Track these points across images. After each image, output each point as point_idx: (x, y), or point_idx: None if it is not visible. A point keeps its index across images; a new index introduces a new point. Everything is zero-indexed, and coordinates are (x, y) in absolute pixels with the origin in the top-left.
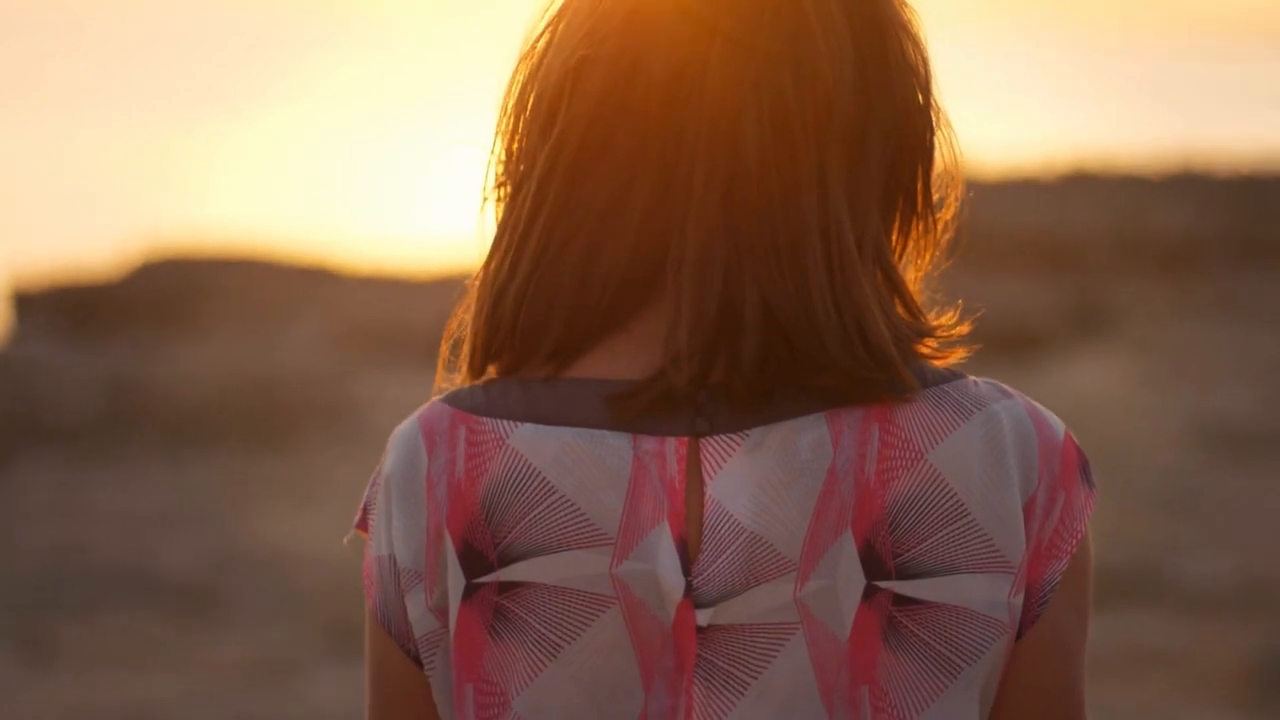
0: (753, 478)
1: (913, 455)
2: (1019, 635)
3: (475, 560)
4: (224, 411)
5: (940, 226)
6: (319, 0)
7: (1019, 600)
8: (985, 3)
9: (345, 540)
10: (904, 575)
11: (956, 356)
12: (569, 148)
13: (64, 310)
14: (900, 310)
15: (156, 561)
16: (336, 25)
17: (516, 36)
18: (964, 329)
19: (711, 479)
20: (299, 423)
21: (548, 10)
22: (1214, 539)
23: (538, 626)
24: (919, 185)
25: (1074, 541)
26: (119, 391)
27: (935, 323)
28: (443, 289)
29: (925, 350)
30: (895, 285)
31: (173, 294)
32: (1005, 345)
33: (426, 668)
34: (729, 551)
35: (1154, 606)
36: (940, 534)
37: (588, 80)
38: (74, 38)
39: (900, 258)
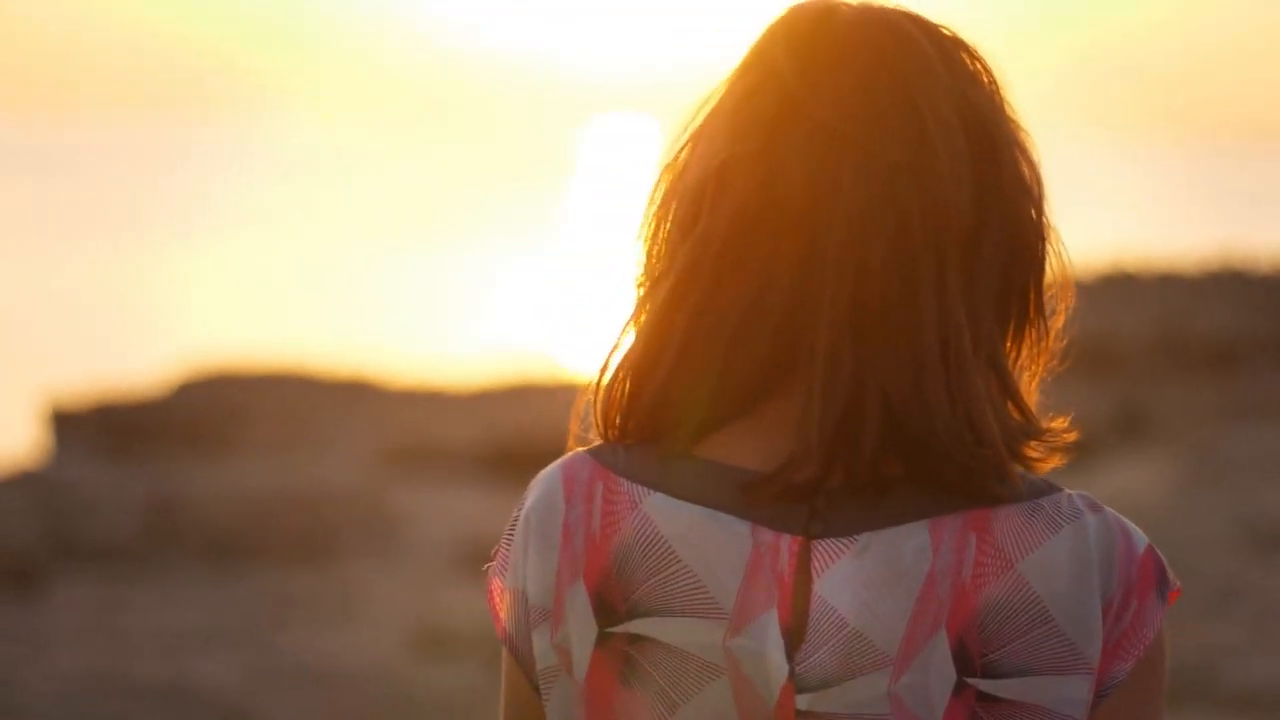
0: (858, 579)
1: (1004, 564)
2: None
3: (608, 610)
4: (263, 529)
5: (1052, 334)
6: (344, 117)
7: (1090, 697)
8: (1019, 104)
9: (485, 568)
10: (989, 674)
11: (1058, 460)
12: (712, 249)
13: (103, 430)
14: (1012, 411)
15: (196, 680)
16: (366, 141)
17: (657, 150)
18: (1073, 435)
19: (819, 577)
20: (339, 539)
21: (689, 125)
22: (1263, 640)
23: (660, 680)
24: (1031, 294)
25: (1142, 646)
26: (158, 510)
27: (1046, 426)
28: (482, 403)
29: (1032, 452)
30: (1008, 387)
31: (212, 412)
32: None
33: (544, 697)
34: (831, 644)
35: (1205, 708)
36: (1025, 638)
37: (729, 187)
38: (114, 162)
39: (1014, 363)
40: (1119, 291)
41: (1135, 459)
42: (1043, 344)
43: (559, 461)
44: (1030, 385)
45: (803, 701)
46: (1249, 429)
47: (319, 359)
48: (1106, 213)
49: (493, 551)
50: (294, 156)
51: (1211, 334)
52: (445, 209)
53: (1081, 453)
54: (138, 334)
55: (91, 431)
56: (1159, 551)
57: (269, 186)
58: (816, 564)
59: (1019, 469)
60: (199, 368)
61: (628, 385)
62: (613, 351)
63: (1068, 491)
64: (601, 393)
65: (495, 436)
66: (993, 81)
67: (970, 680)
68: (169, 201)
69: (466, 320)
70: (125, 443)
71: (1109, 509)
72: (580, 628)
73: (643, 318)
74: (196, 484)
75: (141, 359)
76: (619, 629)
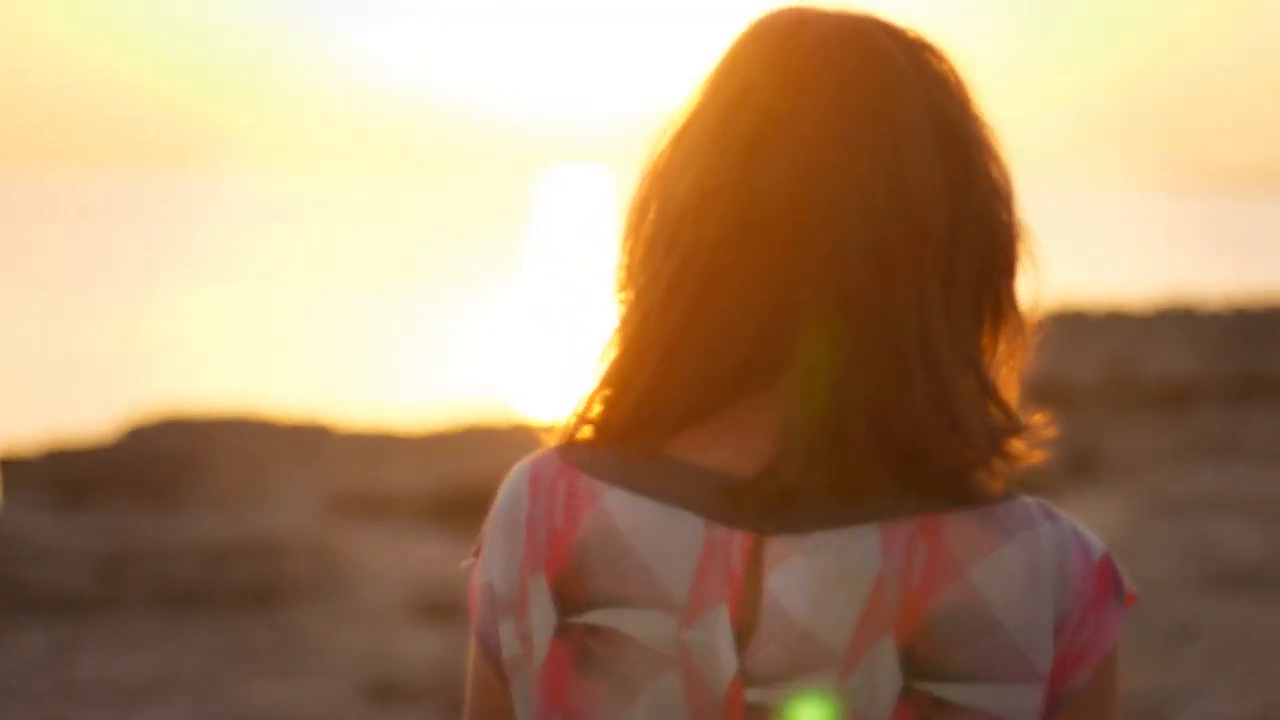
0: (809, 577)
1: (955, 570)
2: None
3: (567, 600)
4: (215, 577)
5: (1028, 331)
6: (304, 169)
7: (1042, 706)
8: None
9: (462, 565)
10: (940, 679)
11: (1041, 456)
12: (695, 266)
13: (53, 477)
14: (993, 410)
15: None
16: (323, 192)
17: (640, 151)
18: (1053, 430)
19: (770, 573)
20: (291, 586)
21: (670, 129)
22: (1217, 680)
23: (618, 669)
24: (1005, 293)
25: (1099, 655)
26: (108, 559)
27: (1026, 422)
28: (435, 447)
29: (1015, 448)
30: (987, 386)
31: (163, 458)
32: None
33: (511, 686)
34: (780, 640)
35: None
36: (974, 645)
37: (713, 204)
38: (74, 212)
39: (992, 361)
40: (1070, 330)
41: (1087, 498)
42: (1018, 340)
43: (528, 459)
44: (1009, 382)
45: (752, 695)
46: (1201, 468)
47: (271, 404)
48: (1057, 251)
49: (473, 549)
50: (254, 207)
51: (1163, 373)
52: (401, 258)
53: (1033, 492)
54: (90, 382)
55: (41, 479)
56: (1114, 557)
57: (229, 237)
58: (768, 560)
59: (997, 469)
60: (149, 414)
61: (611, 390)
62: (600, 358)
63: (1023, 498)
64: (585, 397)
65: (448, 481)
66: (959, 83)
67: (920, 685)
68: (128, 251)
69: (421, 366)
70: (75, 490)
71: (1064, 516)
72: (540, 617)
73: (628, 327)
74: (147, 532)
75: (94, 406)
76: (578, 619)
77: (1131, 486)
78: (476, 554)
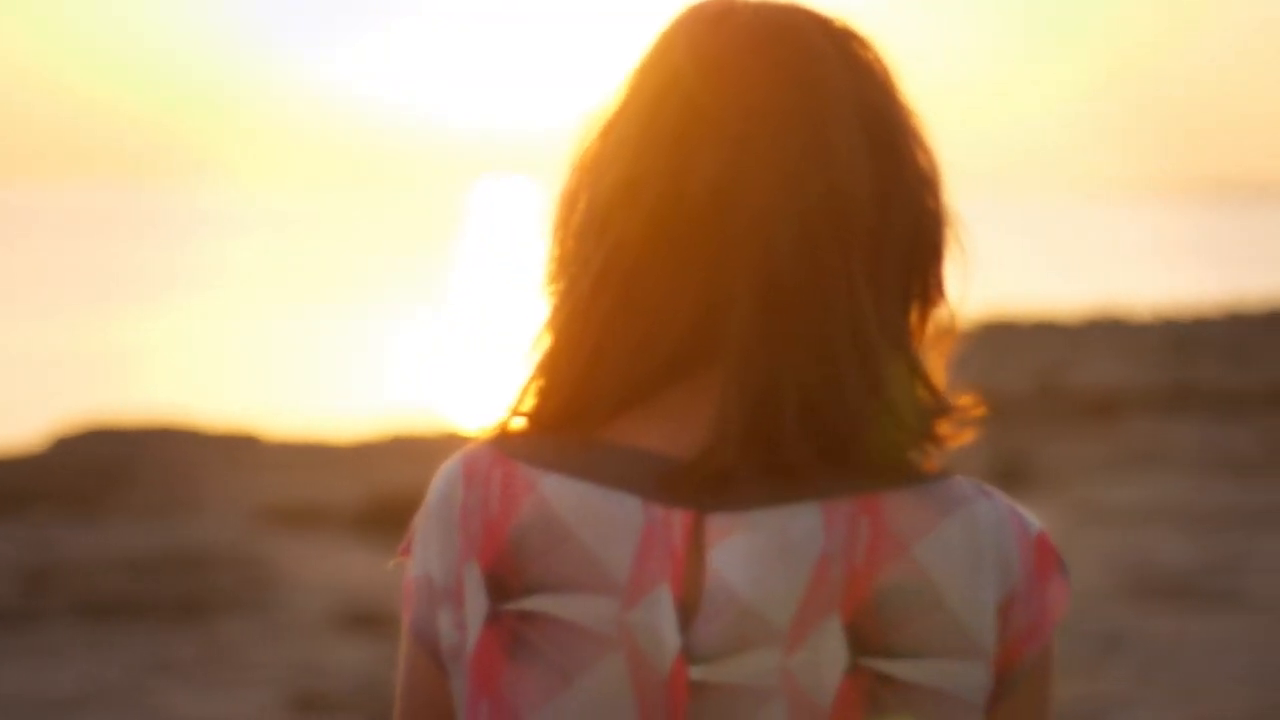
0: (750, 554)
1: (898, 547)
2: (994, 710)
3: (500, 587)
4: (141, 588)
5: (954, 316)
6: (239, 183)
7: (989, 682)
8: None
9: (390, 565)
10: (886, 655)
11: (971, 435)
12: (625, 255)
13: None
14: (922, 392)
15: None
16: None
17: (568, 147)
18: (981, 410)
19: (711, 550)
20: (217, 598)
21: (598, 121)
22: (1147, 690)
23: (553, 655)
24: (933, 279)
25: (1049, 628)
26: (33, 570)
27: (954, 404)
28: (363, 457)
29: (944, 429)
30: (916, 369)
31: (90, 469)
32: None
33: (450, 676)
34: (724, 617)
35: None
36: (919, 621)
37: (641, 194)
38: (15, 224)
39: (920, 345)
40: (999, 341)
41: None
42: (945, 326)
43: (460, 452)
44: (936, 367)
45: (695, 673)
46: (1130, 478)
47: (201, 414)
48: (985, 262)
49: (400, 549)
50: (192, 220)
51: (1091, 383)
52: (331, 269)
53: None
54: (19, 393)
55: None
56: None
57: (165, 249)
58: (709, 538)
59: (928, 450)
60: (77, 424)
61: (544, 379)
62: (534, 345)
63: (958, 476)
64: (517, 389)
65: (378, 492)
66: (886, 72)
67: (866, 661)
68: (66, 264)
69: (351, 376)
70: (1, 501)
71: (999, 494)
72: (473, 605)
73: (559, 317)
74: (73, 543)
75: (22, 417)
76: (511, 606)
77: (1061, 496)
78: (405, 551)
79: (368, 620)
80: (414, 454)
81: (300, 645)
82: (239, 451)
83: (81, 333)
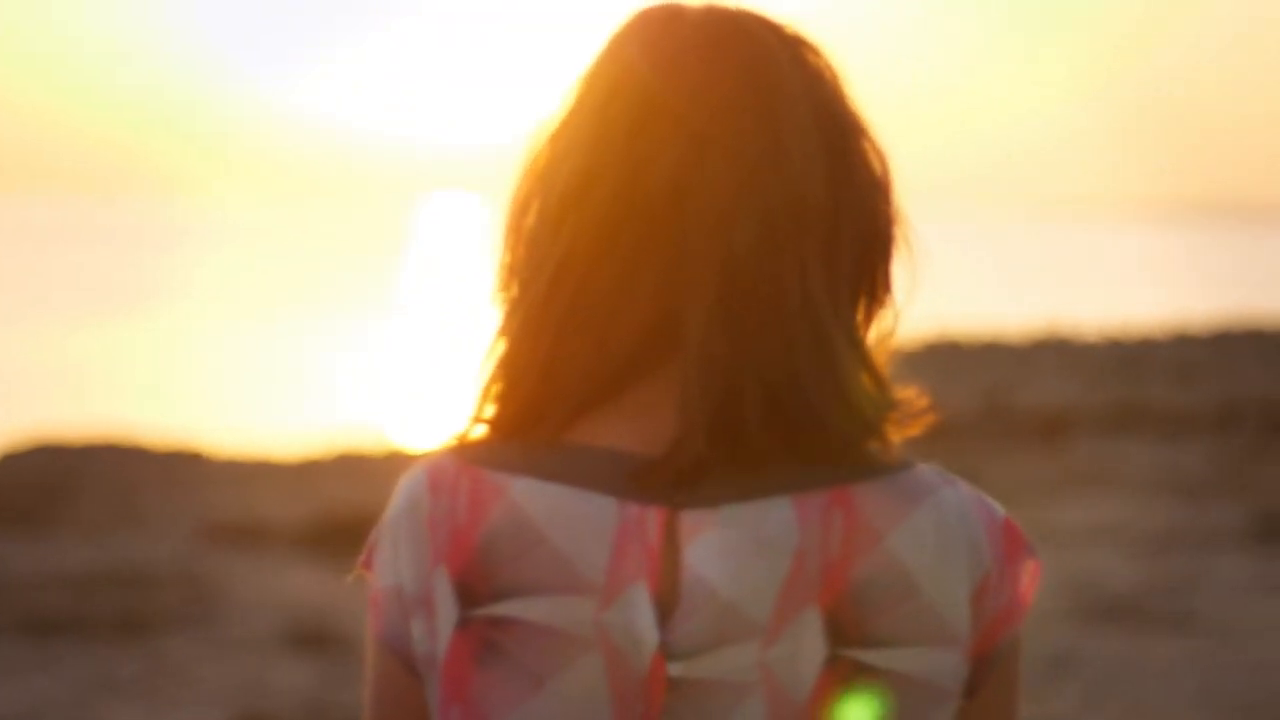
0: (725, 549)
1: (873, 538)
2: (972, 695)
3: (469, 594)
4: (84, 606)
5: (897, 315)
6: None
7: (965, 669)
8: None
9: (349, 579)
10: (864, 645)
11: (917, 428)
12: (582, 245)
13: None
14: (871, 386)
15: None
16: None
17: (519, 156)
18: (924, 403)
19: (687, 546)
20: (161, 616)
21: (548, 127)
22: (1093, 712)
23: (524, 660)
24: (882, 278)
25: (1022, 611)
26: None
27: (900, 398)
28: (308, 474)
29: (892, 421)
30: (865, 361)
31: (33, 486)
32: None
33: (425, 684)
34: (702, 612)
35: None
36: (895, 610)
37: (596, 187)
38: None
39: (866, 338)
40: (945, 361)
41: None
42: (890, 324)
43: (422, 463)
44: (881, 359)
45: (674, 669)
46: (1077, 498)
47: (144, 431)
48: (932, 282)
49: (359, 563)
50: (141, 232)
51: (1039, 403)
52: (277, 284)
53: None
54: None
55: None
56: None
57: (113, 262)
58: (684, 534)
59: (881, 441)
60: (19, 440)
61: (502, 384)
62: (489, 352)
63: (920, 465)
64: (475, 396)
65: (323, 510)
66: (836, 78)
67: (845, 652)
68: (24, 278)
69: (296, 393)
70: None
71: (962, 481)
72: (443, 613)
73: (513, 321)
74: (17, 560)
75: None
76: (481, 612)
77: (1008, 517)
78: (366, 565)
79: (313, 639)
80: (359, 472)
81: (245, 664)
82: (184, 468)
83: (30, 347)
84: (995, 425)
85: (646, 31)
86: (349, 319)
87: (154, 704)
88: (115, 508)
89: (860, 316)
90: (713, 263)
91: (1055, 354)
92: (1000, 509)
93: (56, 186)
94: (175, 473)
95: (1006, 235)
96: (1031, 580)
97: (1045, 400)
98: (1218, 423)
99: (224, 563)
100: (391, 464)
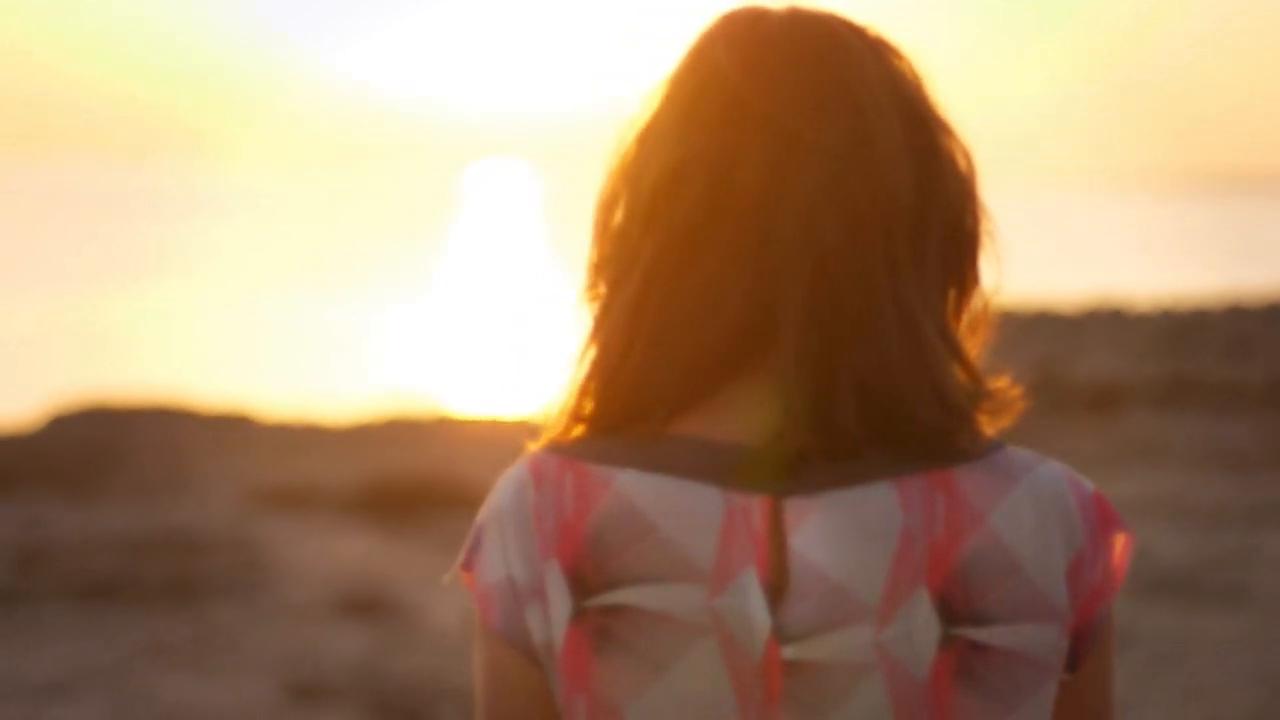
0: (831, 534)
1: (976, 518)
2: (1074, 668)
3: (582, 585)
4: (135, 570)
5: (988, 305)
6: (241, 165)
7: (1066, 643)
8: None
9: (445, 580)
10: (974, 623)
11: (1011, 416)
12: (674, 242)
13: None
14: (961, 375)
15: None
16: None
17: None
18: (1016, 392)
19: (792, 533)
20: (211, 581)
21: (634, 125)
22: (1150, 684)
23: (641, 647)
24: (970, 270)
25: (1116, 584)
26: (25, 550)
27: (993, 387)
28: (358, 439)
29: (984, 411)
30: (956, 353)
31: (84, 448)
32: None
33: (547, 672)
34: (814, 595)
35: None
36: (1000, 588)
37: (686, 183)
38: (24, 204)
39: (957, 331)
40: (997, 331)
41: None
42: (981, 314)
43: (522, 460)
44: (974, 350)
45: (788, 652)
46: (1129, 471)
47: (195, 395)
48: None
49: (458, 564)
50: (192, 200)
51: (1090, 375)
52: (329, 252)
53: None
54: (14, 371)
55: None
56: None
57: (166, 229)
58: (789, 521)
59: (973, 430)
60: (71, 403)
61: (598, 382)
62: (583, 351)
63: (1012, 446)
64: (572, 391)
65: (372, 474)
66: (918, 79)
67: (958, 630)
68: (67, 242)
69: (346, 358)
70: None
71: (1052, 459)
72: (557, 604)
73: (606, 319)
74: (66, 524)
75: (16, 396)
76: (594, 602)
77: None
78: (466, 567)
79: (364, 606)
80: (409, 437)
81: (295, 630)
82: (233, 432)
83: (78, 311)
84: (1047, 397)
85: (732, 32)
86: (398, 286)
87: (203, 670)
88: (164, 472)
89: (950, 309)
90: (804, 260)
91: (1106, 325)
92: (1090, 484)
93: (93, 152)
94: (224, 437)
95: (1029, 207)
96: (1123, 552)
97: (1097, 372)
98: (1270, 396)
99: (274, 528)
100: (441, 429)
